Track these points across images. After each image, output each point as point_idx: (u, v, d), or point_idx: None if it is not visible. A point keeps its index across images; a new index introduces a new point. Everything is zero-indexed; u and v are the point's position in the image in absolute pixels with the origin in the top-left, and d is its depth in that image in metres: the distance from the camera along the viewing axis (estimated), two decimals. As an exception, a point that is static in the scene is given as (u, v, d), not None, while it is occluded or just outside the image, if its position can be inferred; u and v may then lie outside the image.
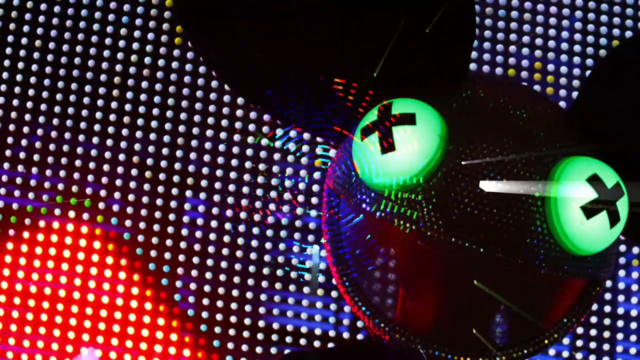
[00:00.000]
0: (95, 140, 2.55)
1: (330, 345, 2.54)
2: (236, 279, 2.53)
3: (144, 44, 2.56)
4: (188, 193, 2.54)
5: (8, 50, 2.57)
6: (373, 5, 1.64)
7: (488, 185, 1.54)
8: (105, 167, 2.54)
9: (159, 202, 2.54)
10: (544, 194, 1.53)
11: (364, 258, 1.67)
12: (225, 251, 2.53)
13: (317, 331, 2.54)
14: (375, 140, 1.56)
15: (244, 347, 2.53)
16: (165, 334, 2.52)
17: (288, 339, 2.53)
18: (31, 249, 2.53)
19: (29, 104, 2.56)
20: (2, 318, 2.52)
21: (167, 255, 2.53)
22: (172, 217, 2.54)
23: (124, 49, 2.56)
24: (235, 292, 2.53)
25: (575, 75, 2.56)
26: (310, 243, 2.54)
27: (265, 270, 2.53)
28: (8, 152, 2.55)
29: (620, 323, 2.55)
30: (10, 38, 2.57)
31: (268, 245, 2.53)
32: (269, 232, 2.54)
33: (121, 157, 2.54)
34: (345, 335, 2.54)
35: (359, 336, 2.54)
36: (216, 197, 2.54)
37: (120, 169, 2.54)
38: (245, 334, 2.53)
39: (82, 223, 2.54)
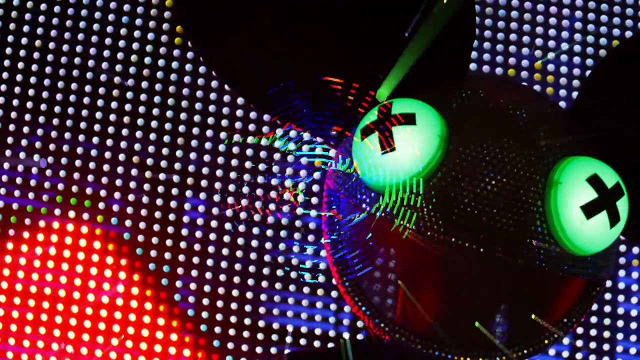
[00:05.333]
0: (95, 140, 2.55)
1: (331, 345, 2.54)
2: (236, 279, 2.53)
3: (144, 44, 2.56)
4: (188, 193, 2.54)
5: (8, 50, 2.57)
6: (373, 5, 1.64)
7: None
8: (105, 167, 2.54)
9: (159, 202, 2.54)
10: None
11: (364, 258, 1.66)
12: (225, 251, 2.53)
13: (317, 331, 2.54)
14: (375, 140, 1.56)
15: (244, 347, 2.53)
16: (165, 334, 2.52)
17: (288, 339, 2.53)
18: (31, 249, 2.53)
19: (29, 104, 2.56)
20: (2, 318, 2.52)
21: (167, 255, 2.53)
22: (172, 217, 2.54)
23: (124, 49, 2.56)
24: (235, 292, 2.53)
25: (575, 75, 2.56)
26: (310, 243, 2.54)
27: (265, 270, 2.53)
28: (8, 152, 2.55)
29: (620, 323, 2.55)
30: (10, 38, 2.57)
31: (268, 245, 2.53)
32: (269, 232, 2.54)
33: (121, 157, 2.54)
34: (346, 335, 2.54)
35: (359, 336, 2.54)
36: (216, 197, 2.54)
37: (120, 169, 2.54)
38: (245, 334, 2.53)
39: (82, 223, 2.54)
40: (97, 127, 2.55)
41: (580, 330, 2.55)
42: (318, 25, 1.64)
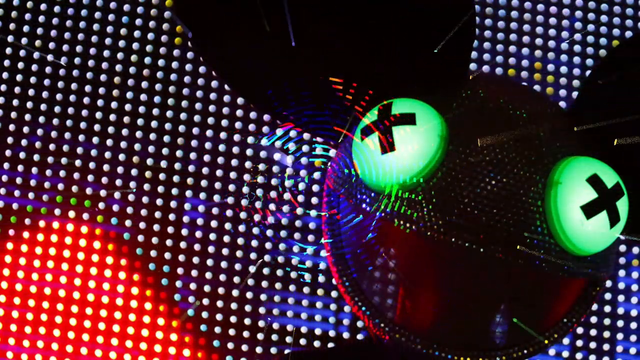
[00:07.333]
0: (95, 140, 2.55)
1: (331, 345, 2.54)
2: (236, 279, 2.53)
3: (144, 44, 2.56)
4: (188, 193, 2.54)
5: (8, 50, 2.57)
6: (373, 5, 1.64)
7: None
8: (105, 167, 2.54)
9: (159, 202, 2.54)
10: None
11: (364, 258, 1.67)
12: (225, 251, 2.53)
13: (317, 331, 2.54)
14: (375, 140, 1.57)
15: (244, 347, 2.53)
16: (165, 334, 2.52)
17: (288, 339, 2.53)
18: (31, 249, 2.53)
19: (29, 104, 2.56)
20: (2, 318, 2.52)
21: (167, 255, 2.53)
22: (172, 217, 2.54)
23: (124, 49, 2.56)
24: (235, 292, 2.53)
25: (575, 75, 2.56)
26: (310, 243, 2.54)
27: (265, 270, 2.53)
28: (8, 152, 2.55)
29: (620, 323, 2.55)
30: (10, 38, 2.57)
31: (268, 245, 2.53)
32: (269, 232, 2.54)
33: (121, 157, 2.54)
34: (346, 335, 2.54)
35: (359, 336, 2.54)
36: (216, 197, 2.54)
37: (120, 169, 2.54)
38: (245, 334, 2.53)
39: (82, 223, 2.54)
40: (97, 127, 2.55)
41: (580, 330, 2.55)
42: (318, 25, 1.64)
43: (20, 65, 2.57)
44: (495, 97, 1.65)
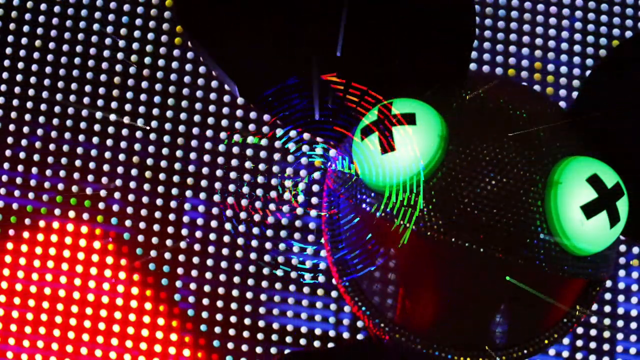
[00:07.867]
0: (95, 140, 2.55)
1: (331, 345, 2.54)
2: (236, 279, 2.53)
3: (144, 44, 2.56)
4: (188, 193, 2.54)
5: (8, 50, 2.57)
6: (373, 5, 1.64)
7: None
8: (105, 167, 2.54)
9: (159, 202, 2.54)
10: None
11: (364, 258, 1.67)
12: (225, 251, 2.53)
13: (317, 331, 2.54)
14: (375, 140, 1.57)
15: (244, 347, 2.53)
16: (165, 334, 2.52)
17: (288, 339, 2.53)
18: (31, 249, 2.53)
19: (29, 104, 2.56)
20: (2, 318, 2.52)
21: (167, 255, 2.53)
22: (172, 217, 2.54)
23: (124, 49, 2.56)
24: (235, 292, 2.53)
25: (575, 75, 2.56)
26: (310, 243, 2.54)
27: (265, 270, 2.53)
28: (8, 152, 2.55)
29: (620, 323, 2.55)
30: (10, 38, 2.57)
31: (268, 245, 2.53)
32: (269, 232, 2.54)
33: (121, 157, 2.54)
34: (346, 335, 2.54)
35: (359, 336, 2.54)
36: (216, 197, 2.54)
37: (120, 169, 2.54)
38: (245, 334, 2.53)
39: (82, 223, 2.54)
40: (97, 127, 2.55)
41: (580, 330, 2.55)
42: (318, 25, 1.64)
43: (20, 65, 2.57)
44: (495, 97, 1.65)
